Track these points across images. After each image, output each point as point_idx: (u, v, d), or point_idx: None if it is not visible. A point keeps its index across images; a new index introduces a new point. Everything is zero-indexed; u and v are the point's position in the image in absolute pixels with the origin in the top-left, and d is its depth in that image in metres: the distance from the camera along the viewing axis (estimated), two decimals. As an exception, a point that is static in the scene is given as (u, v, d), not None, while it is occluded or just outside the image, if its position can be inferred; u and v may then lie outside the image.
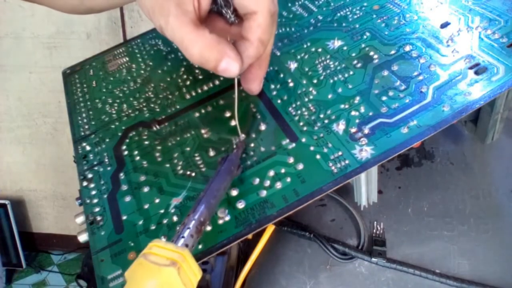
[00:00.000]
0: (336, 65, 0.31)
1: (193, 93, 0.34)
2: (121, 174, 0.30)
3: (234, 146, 0.28)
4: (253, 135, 0.29)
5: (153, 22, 0.26)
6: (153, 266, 0.18)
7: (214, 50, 0.25)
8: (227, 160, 0.26)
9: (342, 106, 0.28)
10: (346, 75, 0.30)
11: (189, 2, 0.25)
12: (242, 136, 0.29)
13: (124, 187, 0.30)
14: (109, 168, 0.31)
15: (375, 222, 0.33)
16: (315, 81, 0.30)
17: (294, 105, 0.30)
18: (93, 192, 0.30)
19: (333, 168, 0.25)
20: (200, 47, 0.25)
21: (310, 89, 0.30)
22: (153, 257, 0.19)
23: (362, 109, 0.27)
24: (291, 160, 0.27)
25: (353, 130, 0.27)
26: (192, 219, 0.22)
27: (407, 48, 0.29)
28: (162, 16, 0.25)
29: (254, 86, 0.30)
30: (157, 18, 0.26)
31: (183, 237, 0.21)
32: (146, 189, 0.29)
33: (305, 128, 0.28)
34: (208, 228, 0.25)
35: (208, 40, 0.25)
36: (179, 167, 0.29)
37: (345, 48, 0.32)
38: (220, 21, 0.28)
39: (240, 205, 0.26)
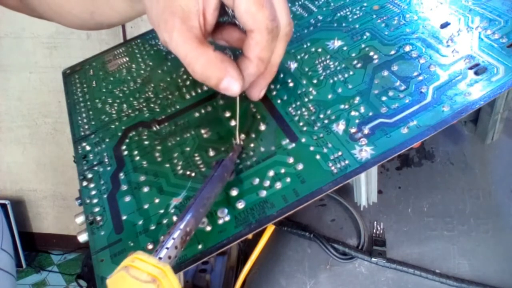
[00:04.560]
0: (336, 65, 0.31)
1: (193, 93, 0.34)
2: (121, 174, 0.30)
3: (234, 148, 0.28)
4: (253, 135, 0.29)
5: (158, 35, 0.26)
6: (134, 281, 0.19)
7: (216, 68, 0.25)
8: (221, 165, 0.26)
9: (342, 106, 0.28)
10: (346, 75, 0.30)
11: (194, 18, 0.25)
12: (242, 136, 0.29)
13: (124, 187, 0.30)
14: (109, 168, 0.31)
15: (375, 222, 0.33)
16: (315, 81, 0.30)
17: (294, 105, 0.30)
18: (93, 192, 0.30)
19: (333, 168, 0.25)
20: (203, 64, 0.25)
21: (310, 89, 0.30)
22: (135, 271, 0.19)
23: (362, 109, 0.27)
24: (291, 160, 0.27)
25: (353, 130, 0.26)
26: (177, 229, 0.22)
27: (407, 48, 0.29)
28: (167, 32, 0.25)
29: (254, 92, 0.30)
30: (161, 32, 0.26)
31: (167, 248, 0.21)
32: (146, 189, 0.29)
33: (305, 128, 0.28)
34: (208, 228, 0.25)
35: (211, 58, 0.25)
36: (179, 167, 0.29)
37: (345, 48, 0.32)
38: (235, 30, 0.28)
39: (240, 205, 0.26)
